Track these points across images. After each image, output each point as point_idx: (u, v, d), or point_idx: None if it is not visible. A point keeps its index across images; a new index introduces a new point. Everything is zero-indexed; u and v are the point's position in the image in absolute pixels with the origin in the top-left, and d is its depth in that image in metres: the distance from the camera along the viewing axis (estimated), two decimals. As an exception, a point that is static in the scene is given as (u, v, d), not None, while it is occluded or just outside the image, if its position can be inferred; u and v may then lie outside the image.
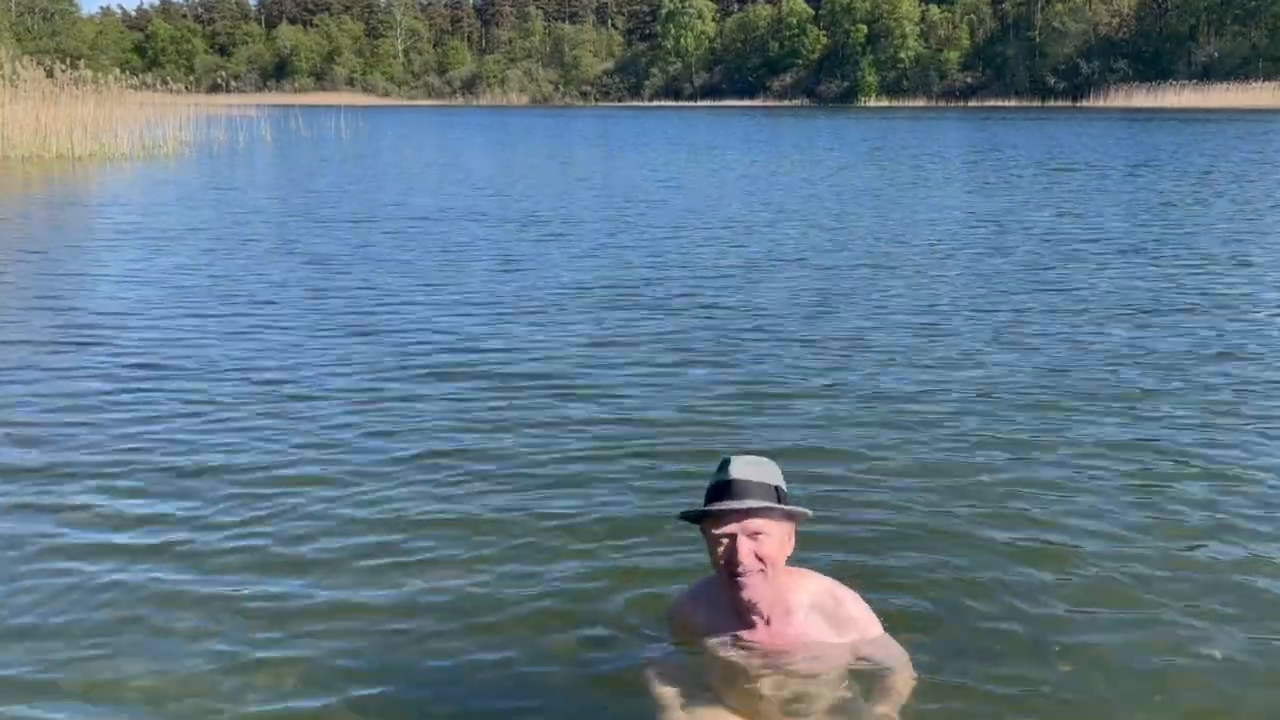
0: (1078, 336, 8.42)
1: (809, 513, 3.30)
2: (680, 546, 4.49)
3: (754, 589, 3.22)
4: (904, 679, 3.34)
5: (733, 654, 3.32)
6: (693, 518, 3.28)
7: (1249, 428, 6.10)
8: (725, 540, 3.19)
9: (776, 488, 3.25)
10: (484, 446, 5.83)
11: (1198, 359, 7.61)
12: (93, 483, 5.32)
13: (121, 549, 4.57)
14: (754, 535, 3.18)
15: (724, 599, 3.32)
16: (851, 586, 3.45)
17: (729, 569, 3.19)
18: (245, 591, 4.18)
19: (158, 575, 4.32)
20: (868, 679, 3.31)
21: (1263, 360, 7.63)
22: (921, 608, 3.97)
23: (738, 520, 3.17)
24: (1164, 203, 18.65)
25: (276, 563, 4.43)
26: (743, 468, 3.23)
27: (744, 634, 3.32)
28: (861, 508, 4.92)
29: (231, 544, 4.60)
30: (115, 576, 4.31)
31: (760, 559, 3.18)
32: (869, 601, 3.43)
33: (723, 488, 3.20)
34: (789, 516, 3.25)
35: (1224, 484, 5.24)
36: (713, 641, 3.34)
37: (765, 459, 3.34)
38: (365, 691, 3.50)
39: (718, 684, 3.26)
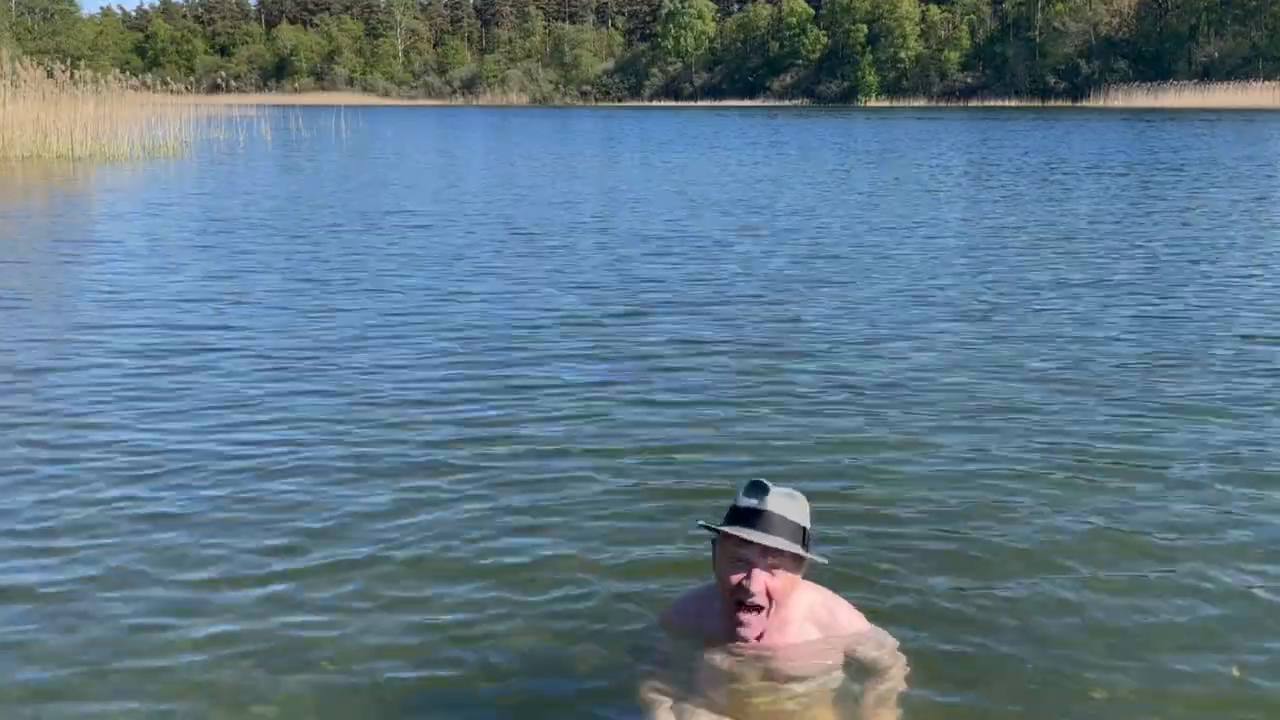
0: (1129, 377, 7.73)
1: (826, 562, 3.26)
2: (678, 558, 4.50)
3: (753, 627, 3.20)
4: (897, 670, 3.34)
5: (726, 660, 3.29)
6: (712, 532, 3.23)
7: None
8: (739, 566, 3.15)
9: (804, 529, 3.20)
10: (484, 452, 5.83)
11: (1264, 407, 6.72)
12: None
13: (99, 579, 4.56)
14: (770, 570, 3.14)
15: (717, 610, 3.30)
16: (876, 609, 3.43)
17: (735, 596, 3.17)
18: (240, 599, 4.18)
19: (134, 611, 4.30)
20: (861, 675, 3.31)
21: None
22: (945, 631, 3.88)
23: (759, 553, 3.12)
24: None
25: (266, 580, 4.43)
26: (778, 501, 3.17)
27: (736, 644, 3.28)
28: (884, 528, 4.81)
29: (218, 551, 4.61)
30: (98, 608, 4.29)
31: (770, 594, 3.16)
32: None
33: (753, 515, 3.14)
34: (806, 561, 3.22)
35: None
36: (706, 648, 3.32)
37: (799, 495, 3.27)
38: (355, 696, 3.50)
39: (710, 689, 3.25)
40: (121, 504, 5.03)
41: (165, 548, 4.56)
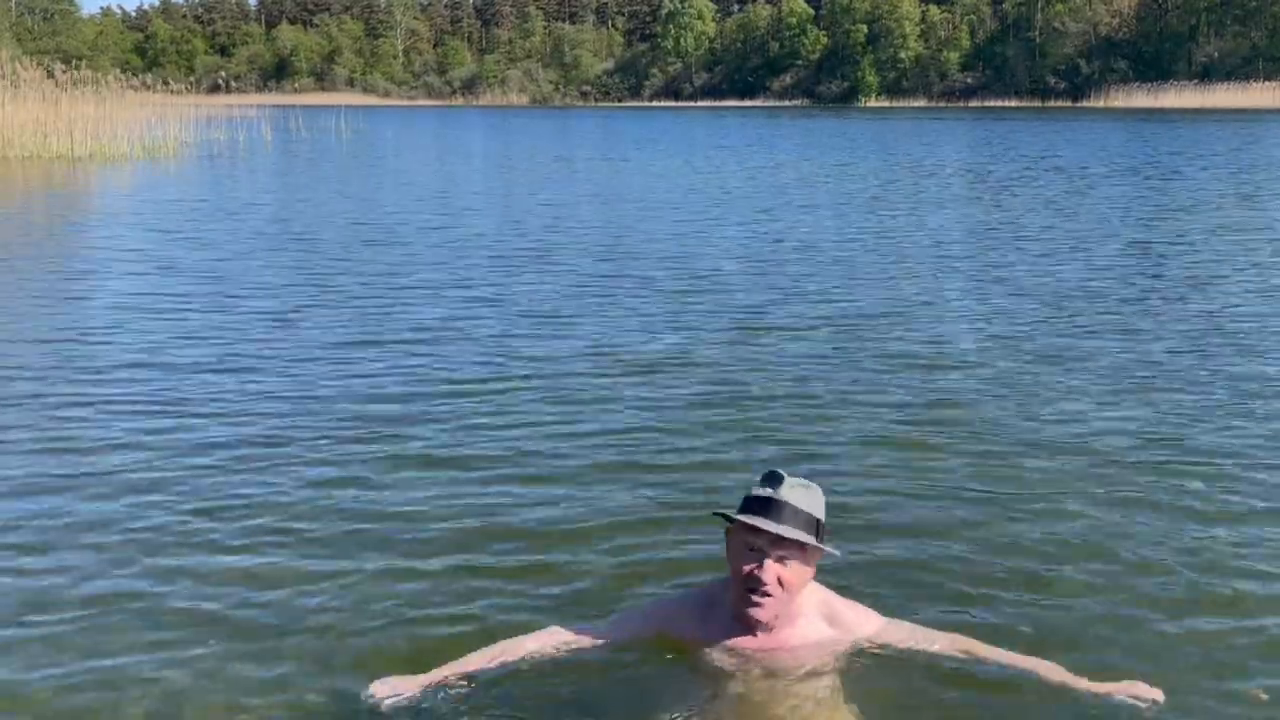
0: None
1: (838, 554, 3.27)
2: (675, 554, 4.49)
3: (766, 610, 3.20)
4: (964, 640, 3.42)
5: (727, 659, 3.29)
6: (726, 520, 3.25)
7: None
8: (751, 555, 3.15)
9: (818, 521, 3.20)
10: (485, 452, 5.83)
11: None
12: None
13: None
14: (781, 560, 3.15)
15: (725, 605, 3.30)
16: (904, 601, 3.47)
17: (747, 585, 3.17)
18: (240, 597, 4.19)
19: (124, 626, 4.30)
20: (901, 665, 3.34)
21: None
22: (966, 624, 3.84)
23: (770, 542, 3.13)
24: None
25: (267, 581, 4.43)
26: (791, 491, 3.17)
27: (742, 641, 3.29)
28: (900, 519, 4.81)
29: (205, 557, 4.61)
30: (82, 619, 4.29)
31: (781, 583, 3.16)
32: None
33: (766, 504, 3.15)
34: (819, 552, 3.22)
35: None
36: (705, 646, 3.31)
37: (814, 485, 3.27)
38: (349, 690, 3.50)
39: (708, 690, 3.23)
40: (119, 504, 5.05)
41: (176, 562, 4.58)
